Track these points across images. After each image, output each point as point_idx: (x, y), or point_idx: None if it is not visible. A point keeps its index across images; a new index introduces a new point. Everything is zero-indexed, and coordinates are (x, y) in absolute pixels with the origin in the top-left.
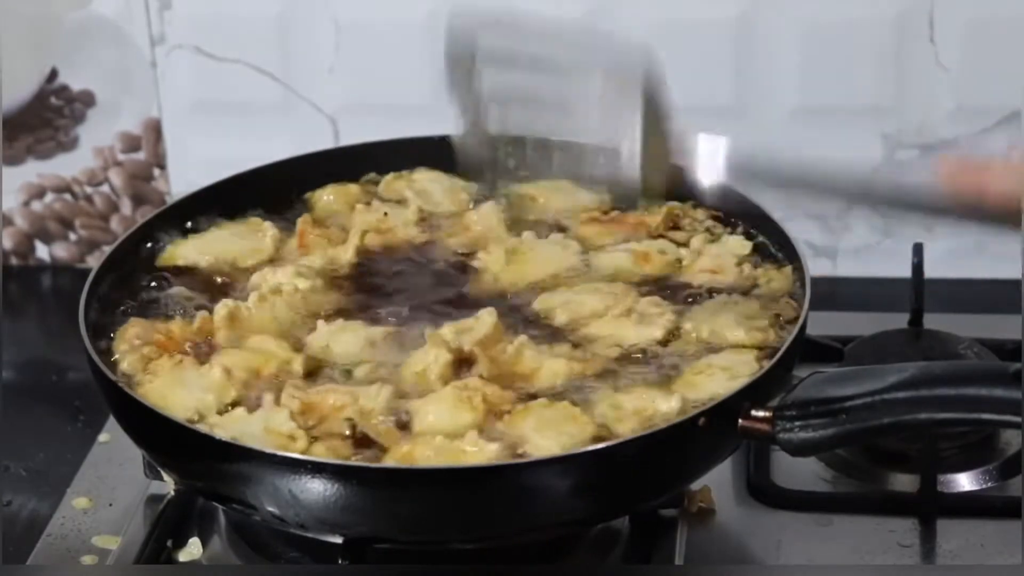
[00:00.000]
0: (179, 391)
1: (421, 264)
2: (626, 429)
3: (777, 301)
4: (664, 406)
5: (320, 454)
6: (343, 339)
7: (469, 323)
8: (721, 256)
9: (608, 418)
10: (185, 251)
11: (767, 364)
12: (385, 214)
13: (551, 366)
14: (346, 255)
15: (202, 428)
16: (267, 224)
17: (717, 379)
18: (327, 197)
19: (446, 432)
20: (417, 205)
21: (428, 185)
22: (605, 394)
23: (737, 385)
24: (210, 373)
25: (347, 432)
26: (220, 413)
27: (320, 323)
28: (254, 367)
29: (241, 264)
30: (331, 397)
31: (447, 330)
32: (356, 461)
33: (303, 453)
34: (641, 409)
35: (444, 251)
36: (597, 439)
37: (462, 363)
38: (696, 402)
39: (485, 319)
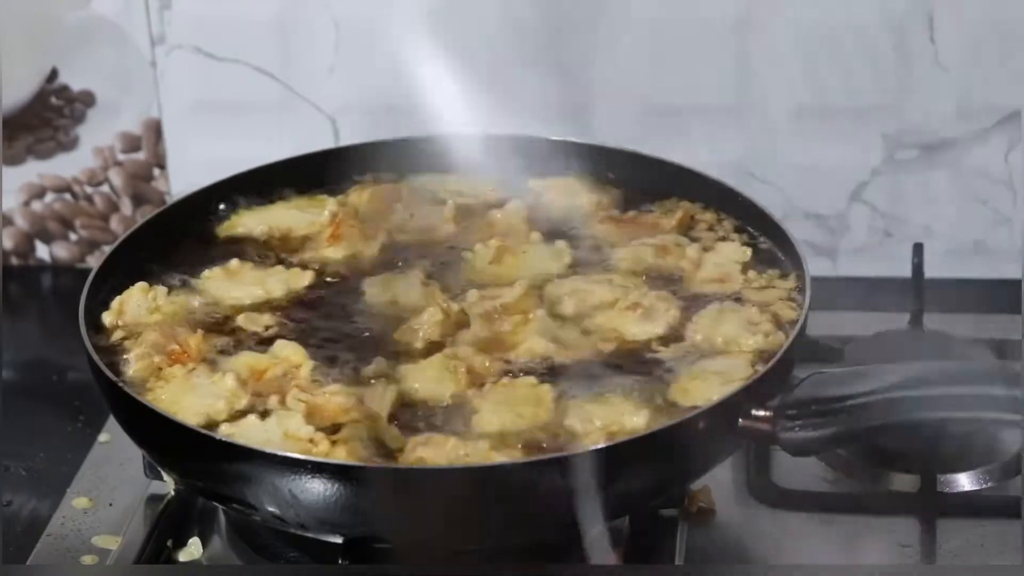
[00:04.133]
0: (190, 397)
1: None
2: (589, 443)
3: (777, 302)
4: (630, 422)
5: (340, 458)
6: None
7: (500, 291)
8: (724, 264)
9: (576, 431)
10: (246, 220)
11: (764, 366)
12: (411, 215)
13: (531, 343)
14: (371, 250)
15: (212, 433)
16: (332, 200)
17: (712, 383)
18: (365, 195)
19: (430, 400)
20: (453, 202)
21: (460, 185)
22: (580, 402)
23: (734, 388)
24: (223, 380)
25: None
26: (230, 420)
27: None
28: (259, 368)
29: (296, 233)
30: (337, 399)
31: (473, 293)
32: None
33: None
34: (608, 424)
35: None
36: (547, 426)
37: (459, 326)
38: (692, 407)
39: (515, 289)
